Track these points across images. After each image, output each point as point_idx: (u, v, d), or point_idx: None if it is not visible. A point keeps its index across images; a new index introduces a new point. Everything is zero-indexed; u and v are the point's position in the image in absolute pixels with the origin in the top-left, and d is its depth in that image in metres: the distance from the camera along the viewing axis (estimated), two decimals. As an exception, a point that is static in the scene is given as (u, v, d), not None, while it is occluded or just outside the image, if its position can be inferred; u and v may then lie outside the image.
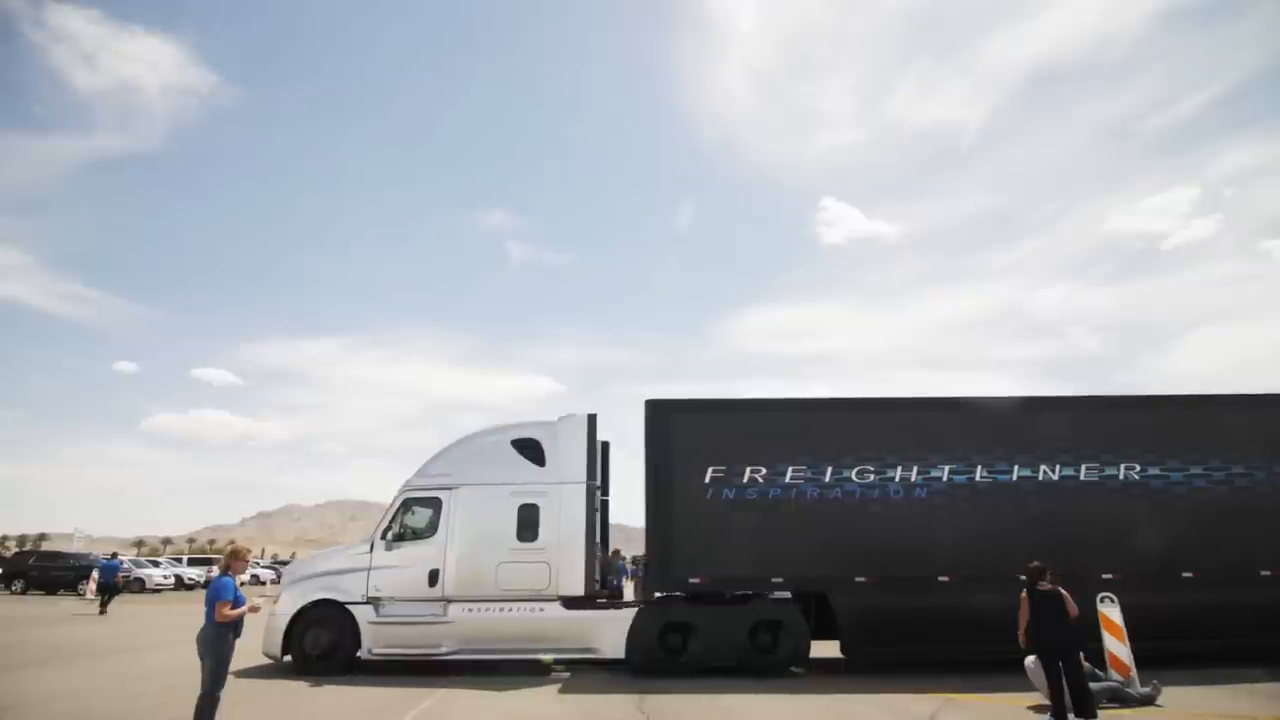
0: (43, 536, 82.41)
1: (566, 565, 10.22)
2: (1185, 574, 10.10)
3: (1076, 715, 6.96)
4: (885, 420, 10.98)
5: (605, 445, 11.51)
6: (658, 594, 10.44)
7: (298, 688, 8.91)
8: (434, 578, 10.18)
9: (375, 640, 9.95)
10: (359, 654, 9.93)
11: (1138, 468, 10.49)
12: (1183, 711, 7.60)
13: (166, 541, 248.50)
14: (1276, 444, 10.68)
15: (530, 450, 10.80)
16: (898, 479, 10.44)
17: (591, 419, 11.02)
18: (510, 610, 10.03)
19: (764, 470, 10.48)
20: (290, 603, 10.16)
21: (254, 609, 6.18)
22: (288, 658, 9.91)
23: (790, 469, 10.49)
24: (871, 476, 10.48)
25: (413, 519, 10.71)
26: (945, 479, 10.45)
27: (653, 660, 9.90)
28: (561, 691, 8.96)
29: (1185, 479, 10.47)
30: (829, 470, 10.48)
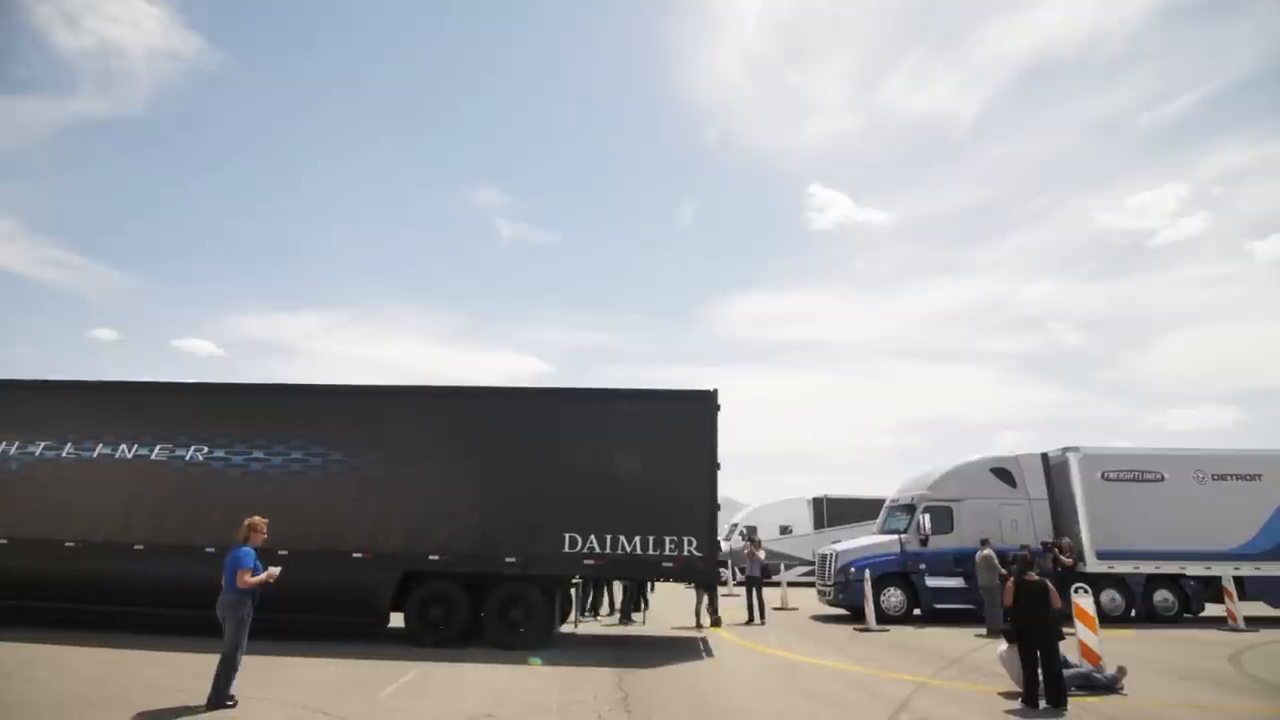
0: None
1: None
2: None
3: (1048, 704, 7.05)
4: None
5: None
6: None
7: (278, 659, 8.79)
8: None
9: None
10: None
11: (205, 449, 11.22)
12: (1149, 700, 7.56)
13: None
14: (339, 431, 11.13)
15: None
16: None
17: None
18: None
19: None
20: None
21: (271, 576, 6.87)
22: None
23: None
24: None
25: None
26: None
27: None
28: (541, 667, 9.03)
29: (245, 461, 11.10)
30: None
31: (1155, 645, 11.58)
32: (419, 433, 11.15)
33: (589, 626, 13.17)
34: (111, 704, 6.58)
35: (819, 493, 27.68)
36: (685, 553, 10.24)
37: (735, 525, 28.27)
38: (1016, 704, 7.23)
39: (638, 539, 10.32)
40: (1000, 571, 13.01)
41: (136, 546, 10.77)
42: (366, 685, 7.68)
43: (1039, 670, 7.16)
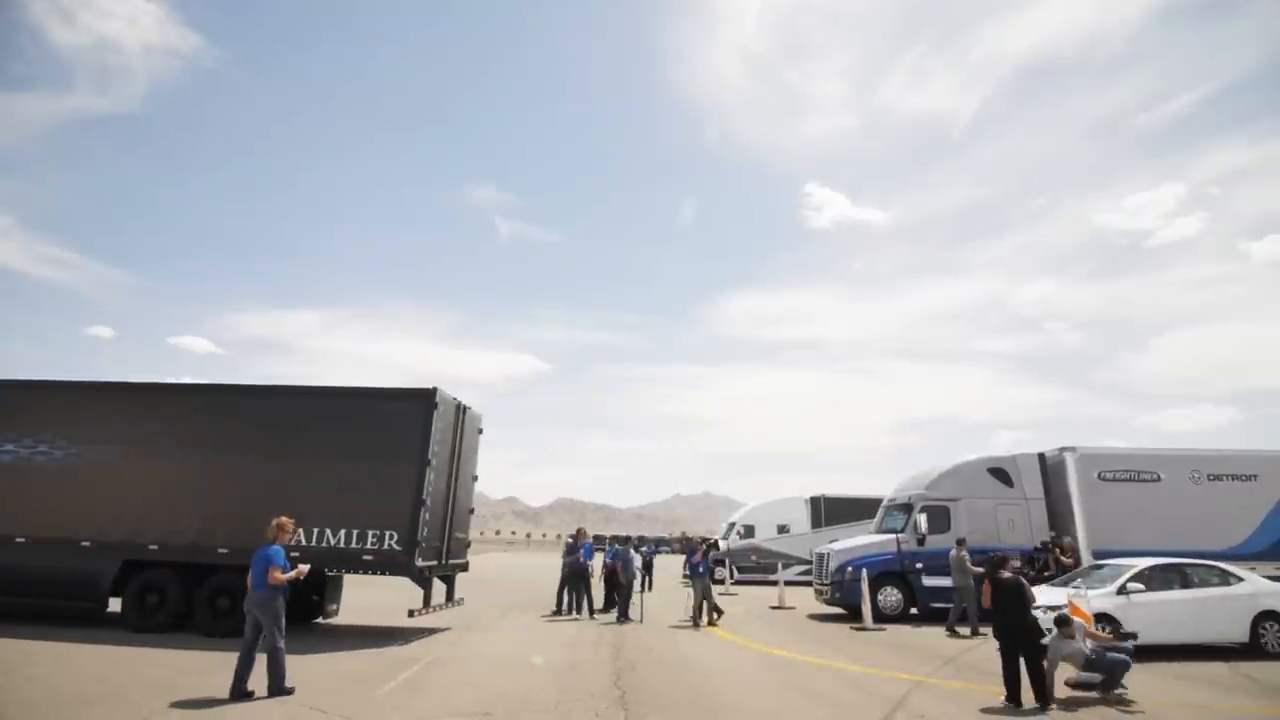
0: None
1: None
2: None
3: (1036, 703, 7.10)
4: None
5: None
6: None
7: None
8: None
9: None
10: None
11: None
12: (1144, 700, 7.62)
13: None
14: (78, 425, 11.72)
15: None
16: None
17: None
18: None
19: None
20: None
21: (301, 574, 7.23)
22: None
23: None
24: None
25: None
26: None
27: None
28: (540, 666, 9.17)
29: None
30: None
31: (1150, 645, 11.62)
32: (143, 428, 11.75)
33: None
34: (111, 701, 6.62)
35: (816, 492, 27.79)
36: (385, 546, 10.61)
37: (733, 524, 28.39)
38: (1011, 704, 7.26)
39: (343, 532, 10.75)
40: (975, 572, 13.09)
41: None
42: (364, 682, 7.72)
43: (1022, 670, 7.21)
